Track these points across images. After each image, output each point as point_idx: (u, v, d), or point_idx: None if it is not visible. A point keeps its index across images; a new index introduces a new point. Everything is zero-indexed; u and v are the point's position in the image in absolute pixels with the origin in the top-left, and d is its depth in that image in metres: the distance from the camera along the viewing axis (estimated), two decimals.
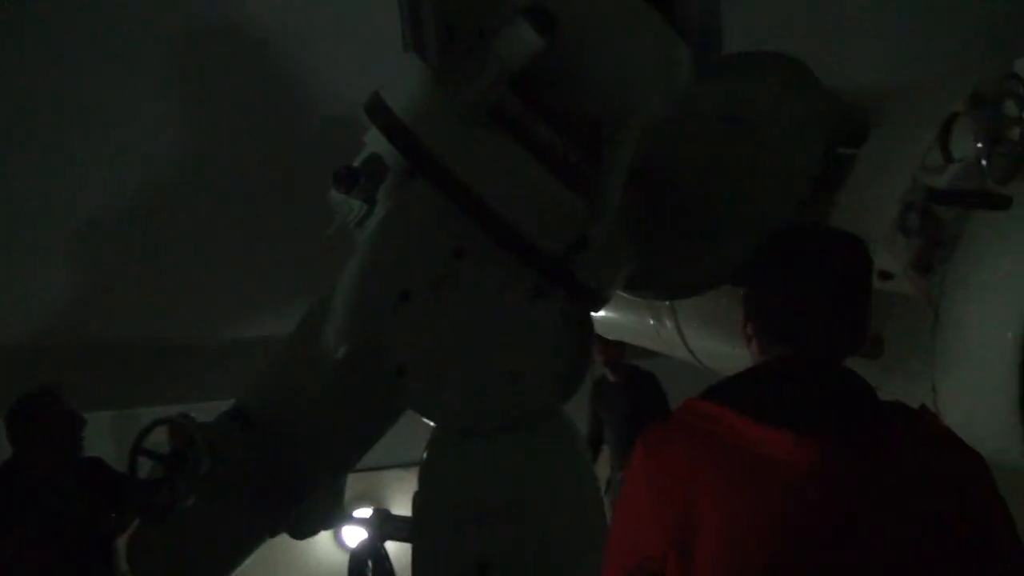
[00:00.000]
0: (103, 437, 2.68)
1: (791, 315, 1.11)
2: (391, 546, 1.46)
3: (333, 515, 1.49)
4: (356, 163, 1.45)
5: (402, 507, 1.46)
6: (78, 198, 3.04)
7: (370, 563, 1.45)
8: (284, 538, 1.50)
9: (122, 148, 2.99)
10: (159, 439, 1.40)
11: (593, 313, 1.44)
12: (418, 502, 1.40)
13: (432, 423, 1.41)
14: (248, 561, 1.51)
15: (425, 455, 1.41)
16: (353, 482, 1.62)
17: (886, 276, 1.28)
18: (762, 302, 1.14)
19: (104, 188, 3.04)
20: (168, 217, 3.08)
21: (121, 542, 2.34)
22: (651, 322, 1.92)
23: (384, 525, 1.45)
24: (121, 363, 3.12)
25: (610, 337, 2.38)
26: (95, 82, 2.90)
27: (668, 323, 1.86)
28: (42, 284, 3.09)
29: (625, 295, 1.58)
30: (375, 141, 1.42)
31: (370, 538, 1.44)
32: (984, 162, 1.27)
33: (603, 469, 3.51)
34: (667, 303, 1.80)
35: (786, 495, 1.01)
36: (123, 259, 3.12)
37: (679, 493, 1.04)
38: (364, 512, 1.52)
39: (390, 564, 1.47)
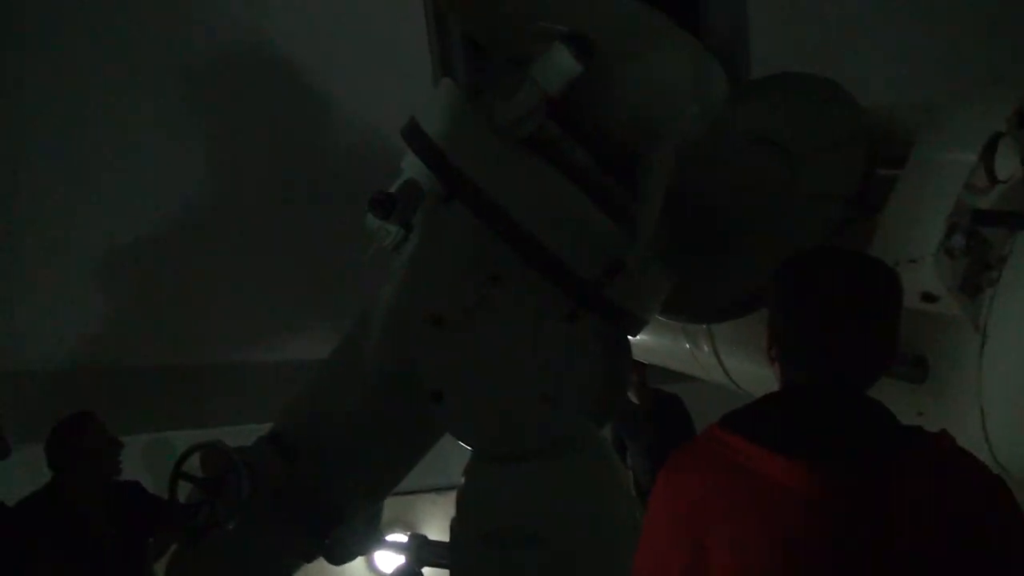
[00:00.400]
0: (135, 461, 2.70)
1: (810, 342, 1.10)
2: (428, 572, 1.45)
3: (369, 540, 1.49)
4: (392, 189, 1.45)
5: (435, 531, 1.45)
6: (109, 226, 3.09)
7: None
8: (319, 562, 1.50)
9: (149, 178, 3.03)
10: (194, 464, 1.41)
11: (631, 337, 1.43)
12: (455, 528, 1.39)
13: (469, 447, 1.40)
14: None
15: (463, 480, 1.40)
16: (386, 506, 1.61)
17: (931, 298, 1.26)
18: (782, 327, 1.13)
19: (134, 216, 3.09)
20: (196, 243, 3.11)
21: (159, 567, 2.35)
22: (687, 346, 1.90)
23: (421, 551, 1.43)
24: (153, 387, 3.15)
25: (644, 361, 2.36)
26: (122, 112, 2.96)
27: (705, 347, 1.84)
28: (75, 311, 3.13)
29: (660, 319, 1.57)
30: (411, 166, 1.43)
31: (407, 563, 1.43)
32: None
33: None
34: (703, 326, 1.78)
35: (796, 525, 1.00)
36: (153, 285, 3.15)
37: (695, 520, 1.04)
38: (398, 537, 1.51)
39: None
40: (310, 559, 1.49)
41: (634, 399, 3.63)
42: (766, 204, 1.55)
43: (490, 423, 1.31)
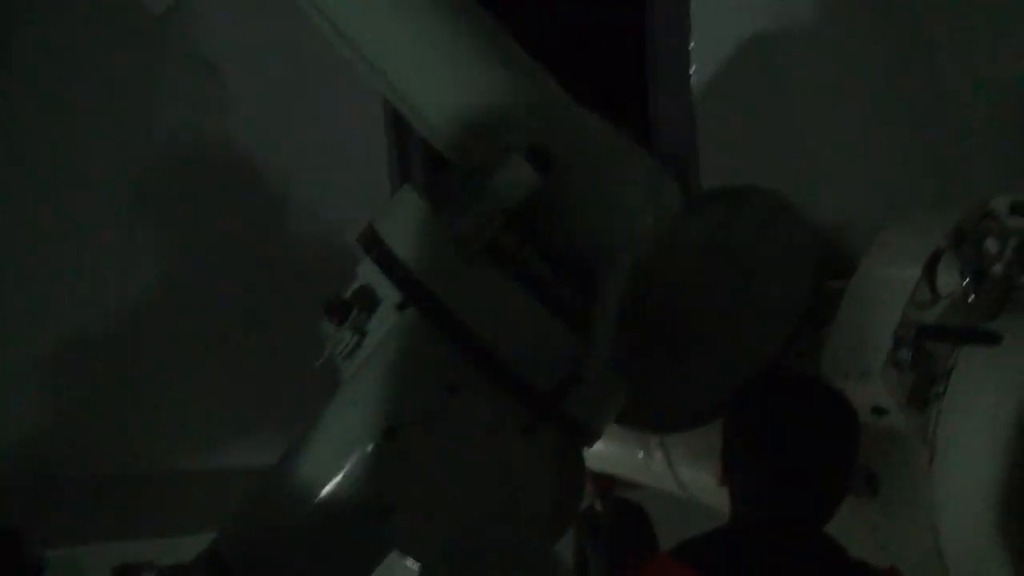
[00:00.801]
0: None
1: (764, 480, 1.11)
2: None
3: None
4: (347, 295, 1.44)
5: None
6: (48, 323, 3.00)
7: None
8: None
9: (92, 277, 2.97)
10: None
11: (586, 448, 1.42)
12: None
13: (419, 566, 1.35)
14: None
15: None
16: None
17: (881, 412, 1.28)
18: (736, 461, 1.14)
19: (76, 313, 3.00)
20: (135, 344, 3.03)
21: None
22: (640, 455, 1.89)
23: None
24: (92, 496, 3.01)
25: (597, 470, 2.34)
26: (70, 206, 2.92)
27: (658, 455, 1.83)
28: (6, 417, 3.01)
29: (614, 427, 1.56)
30: (367, 272, 1.42)
31: None
32: (971, 298, 1.30)
33: None
34: (657, 436, 1.77)
35: None
36: (95, 387, 3.05)
37: None
38: None
39: None
40: None
41: (598, 508, 3.58)
42: (719, 315, 1.58)
43: (443, 539, 1.27)
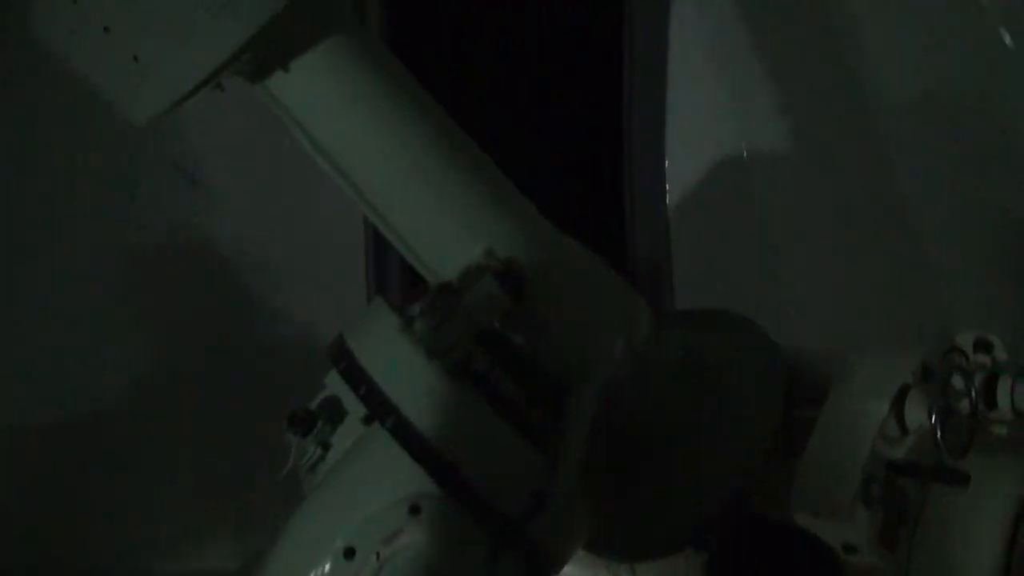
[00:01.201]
0: None
1: None
2: None
3: None
4: (313, 405, 1.42)
5: None
6: (5, 414, 2.93)
7: None
8: None
9: (60, 366, 2.92)
10: None
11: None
12: None
13: None
14: None
15: None
16: None
17: (851, 550, 1.26)
18: None
19: (36, 404, 2.93)
20: (97, 439, 2.96)
21: None
22: None
23: None
24: None
25: None
26: (44, 292, 2.89)
27: None
28: None
29: (582, 553, 1.53)
30: (335, 383, 1.41)
31: None
32: (939, 435, 1.30)
33: None
34: (625, 564, 1.73)
35: None
36: (54, 482, 2.96)
37: None
38: None
39: None
40: None
41: None
42: (690, 437, 1.57)
43: None
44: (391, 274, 2.57)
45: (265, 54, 1.17)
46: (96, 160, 2.75)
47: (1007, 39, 2.31)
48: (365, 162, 1.29)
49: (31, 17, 1.15)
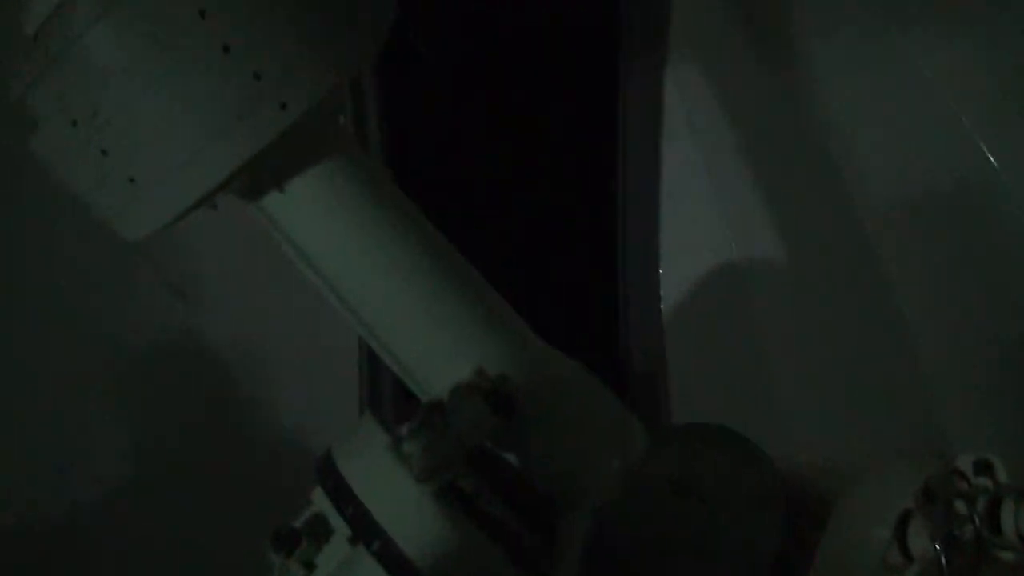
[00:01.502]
0: None
1: None
2: None
3: None
4: (298, 523, 1.38)
5: None
6: None
7: None
8: None
9: (45, 468, 2.87)
10: None
11: None
12: None
13: None
14: None
15: None
16: None
17: None
18: None
19: (20, 504, 2.87)
20: (75, 545, 2.88)
21: None
22: None
23: None
24: None
25: None
26: (29, 390, 2.85)
27: None
28: None
29: None
30: (321, 500, 1.37)
31: None
32: (944, 563, 1.26)
33: None
34: None
35: None
36: None
37: None
38: None
39: None
40: None
41: None
42: (685, 560, 1.53)
43: None
44: (384, 380, 2.54)
45: (260, 175, 1.18)
46: (87, 257, 2.76)
47: (992, 159, 2.36)
48: (355, 279, 1.29)
49: (29, 139, 1.16)
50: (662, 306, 2.92)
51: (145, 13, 1.06)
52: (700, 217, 2.89)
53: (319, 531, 1.37)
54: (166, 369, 2.92)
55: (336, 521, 1.36)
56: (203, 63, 1.07)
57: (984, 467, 1.43)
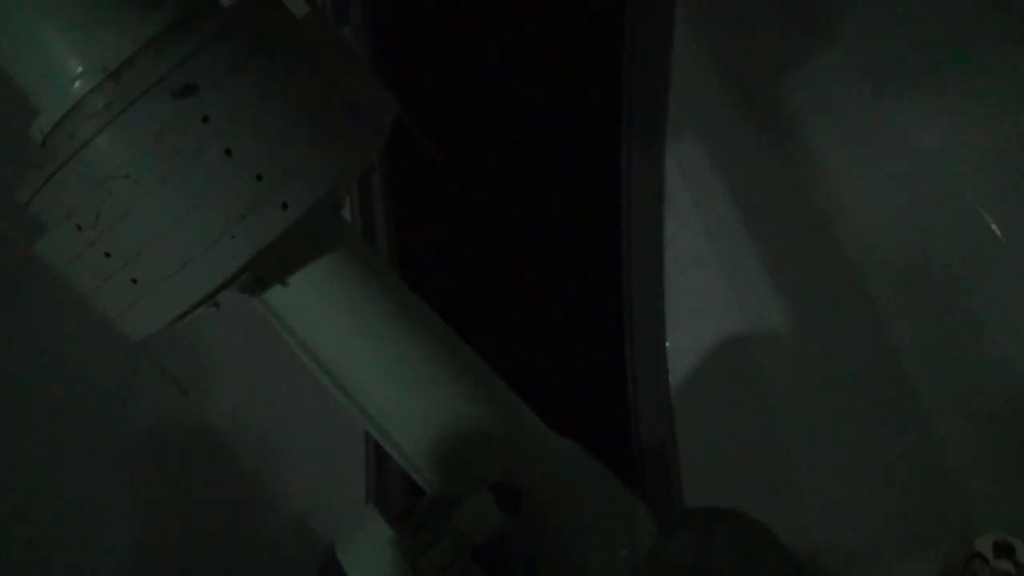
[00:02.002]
0: None
1: None
2: None
3: None
4: None
5: None
6: None
7: None
8: None
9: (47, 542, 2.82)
10: None
11: None
12: None
13: None
14: None
15: None
16: None
17: None
18: None
19: None
20: None
21: None
22: None
23: None
24: None
25: None
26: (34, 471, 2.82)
27: None
28: None
29: None
30: None
31: None
32: None
33: None
34: None
35: None
36: None
37: None
38: None
39: None
40: None
41: None
42: None
43: None
44: (391, 468, 2.51)
45: (263, 272, 1.19)
46: (93, 349, 2.76)
47: (995, 229, 2.36)
48: (359, 372, 1.28)
49: (35, 243, 1.17)
50: (670, 378, 2.88)
51: (150, 120, 1.08)
52: (704, 288, 2.87)
53: None
54: (171, 459, 2.90)
55: None
56: (205, 166, 1.09)
57: (1004, 550, 1.39)
